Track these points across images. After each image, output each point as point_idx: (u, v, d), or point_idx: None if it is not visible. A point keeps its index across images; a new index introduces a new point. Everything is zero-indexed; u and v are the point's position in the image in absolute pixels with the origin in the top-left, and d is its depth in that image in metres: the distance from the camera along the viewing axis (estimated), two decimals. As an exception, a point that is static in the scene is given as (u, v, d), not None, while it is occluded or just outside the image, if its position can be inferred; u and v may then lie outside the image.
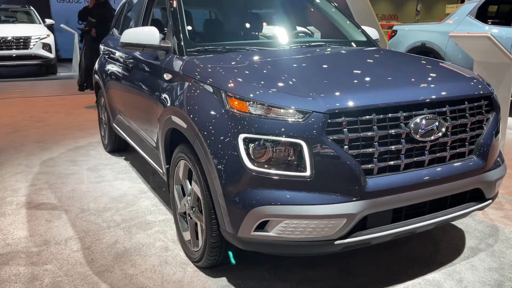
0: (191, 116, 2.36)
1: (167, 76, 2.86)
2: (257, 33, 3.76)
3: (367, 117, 2.08)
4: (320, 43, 3.30)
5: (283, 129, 2.02)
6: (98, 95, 5.14)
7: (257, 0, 4.13)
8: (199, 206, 2.47)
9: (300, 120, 2.02)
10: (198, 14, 3.87)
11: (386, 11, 26.56)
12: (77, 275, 2.54)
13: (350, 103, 2.06)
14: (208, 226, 2.34)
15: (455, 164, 2.32)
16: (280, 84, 2.25)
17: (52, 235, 3.02)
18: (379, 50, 3.30)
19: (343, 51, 3.16)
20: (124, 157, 4.82)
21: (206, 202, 2.32)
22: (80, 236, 3.00)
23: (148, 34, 2.93)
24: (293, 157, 2.04)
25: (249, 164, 2.05)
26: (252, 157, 2.05)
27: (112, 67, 4.34)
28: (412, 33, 7.84)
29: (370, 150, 2.08)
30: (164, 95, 2.82)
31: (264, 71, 2.49)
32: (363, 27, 3.74)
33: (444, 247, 2.82)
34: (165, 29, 3.22)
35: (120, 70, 4.01)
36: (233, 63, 2.68)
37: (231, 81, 2.30)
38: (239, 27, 3.97)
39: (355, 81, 2.37)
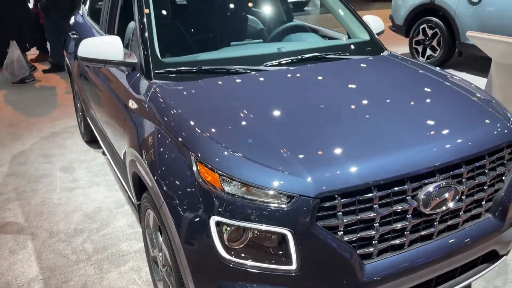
0: (155, 178, 1.95)
1: (132, 104, 2.41)
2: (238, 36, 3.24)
3: (368, 195, 1.70)
4: (314, 53, 2.65)
5: (263, 216, 1.63)
6: (71, 78, 4.66)
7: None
8: (171, 269, 2.14)
9: (284, 206, 1.63)
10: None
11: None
12: None
13: (347, 182, 1.66)
14: (180, 301, 2.03)
15: (469, 229, 1.97)
16: (259, 147, 1.81)
17: (14, 275, 2.72)
18: (384, 67, 2.69)
19: (338, 78, 2.47)
20: (102, 151, 4.43)
21: (176, 276, 1.98)
22: (45, 277, 2.70)
23: (110, 47, 2.43)
24: (277, 247, 1.68)
25: (223, 253, 1.69)
26: (227, 244, 1.69)
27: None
28: (420, -12, 7.09)
29: (370, 233, 1.72)
30: (128, 128, 2.39)
31: (241, 121, 1.98)
32: (365, 17, 3.22)
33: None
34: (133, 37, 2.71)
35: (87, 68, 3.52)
36: (207, 101, 2.18)
37: (201, 138, 1.87)
38: (215, 31, 3.37)
39: (354, 141, 1.87)
